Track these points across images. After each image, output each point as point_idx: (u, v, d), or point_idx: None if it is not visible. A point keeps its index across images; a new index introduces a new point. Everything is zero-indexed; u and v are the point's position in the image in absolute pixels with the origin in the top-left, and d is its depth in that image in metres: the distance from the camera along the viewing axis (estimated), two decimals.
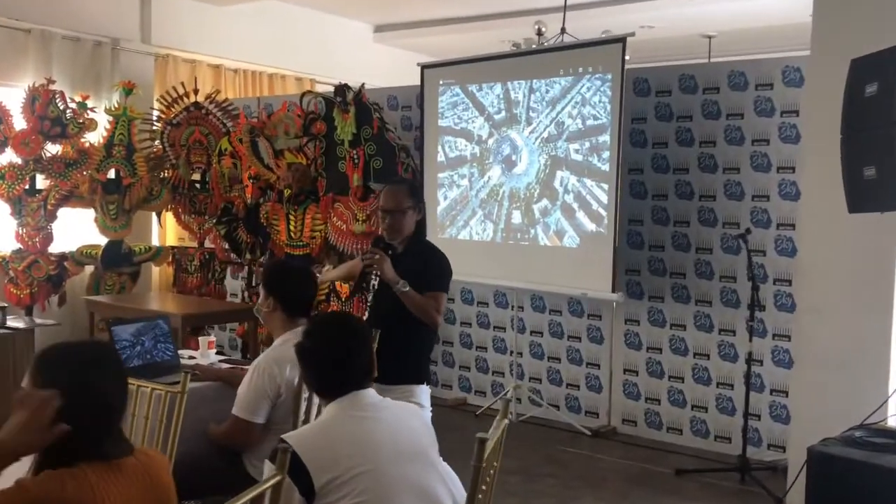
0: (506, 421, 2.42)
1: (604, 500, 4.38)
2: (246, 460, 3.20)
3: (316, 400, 3.21)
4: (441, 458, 2.29)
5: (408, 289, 3.34)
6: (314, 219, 6.21)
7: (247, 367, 3.85)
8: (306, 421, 3.18)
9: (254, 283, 6.84)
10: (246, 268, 6.89)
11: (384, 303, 3.50)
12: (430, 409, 3.51)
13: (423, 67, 6.13)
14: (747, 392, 4.74)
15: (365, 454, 2.12)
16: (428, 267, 3.45)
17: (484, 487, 2.13)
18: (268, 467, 2.13)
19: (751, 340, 4.72)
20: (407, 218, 3.46)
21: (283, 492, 1.89)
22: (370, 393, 2.28)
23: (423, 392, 3.48)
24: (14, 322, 4.13)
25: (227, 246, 6.85)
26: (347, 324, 2.45)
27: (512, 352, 6.00)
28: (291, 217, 6.30)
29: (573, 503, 4.31)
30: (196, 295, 6.94)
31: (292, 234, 6.32)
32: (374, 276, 3.53)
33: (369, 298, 3.58)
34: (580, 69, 5.28)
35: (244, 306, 6.63)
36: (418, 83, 6.15)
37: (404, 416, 2.31)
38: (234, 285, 7.38)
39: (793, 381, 4.78)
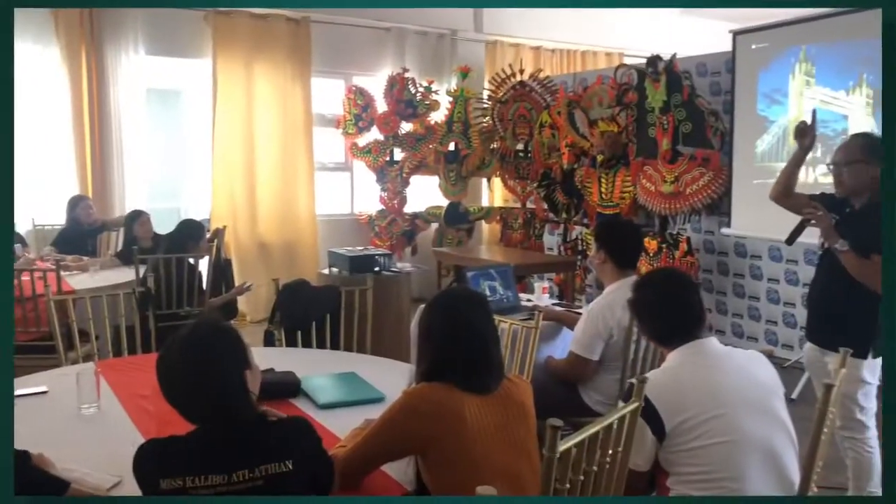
0: (843, 370, 2.27)
1: None
2: (583, 392, 3.28)
3: (644, 343, 3.23)
4: (784, 405, 2.15)
5: (846, 248, 2.86)
6: (624, 181, 6.14)
7: (577, 310, 3.98)
8: (634, 360, 3.22)
9: (568, 239, 6.98)
10: (562, 225, 7.02)
11: (826, 263, 3.07)
12: (875, 383, 2.98)
13: (735, 34, 5.75)
14: None
15: (715, 402, 2.04)
16: (879, 227, 2.88)
17: (826, 430, 2.03)
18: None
19: None
20: (857, 173, 2.94)
21: (636, 430, 1.89)
22: (713, 342, 2.19)
23: (863, 366, 2.92)
24: (397, 266, 4.59)
25: (546, 206, 7.02)
26: (673, 275, 2.40)
27: None
28: (603, 180, 6.28)
29: None
30: (519, 248, 7.22)
31: (603, 196, 6.31)
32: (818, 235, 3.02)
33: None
34: None
35: (560, 259, 6.78)
36: (726, 49, 5.81)
37: (750, 365, 2.17)
38: (550, 240, 7.54)
39: None
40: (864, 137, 3.07)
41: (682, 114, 5.65)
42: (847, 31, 4.98)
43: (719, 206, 5.69)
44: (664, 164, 5.76)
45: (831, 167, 3.03)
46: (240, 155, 6.99)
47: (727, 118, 5.77)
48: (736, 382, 2.10)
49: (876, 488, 3.06)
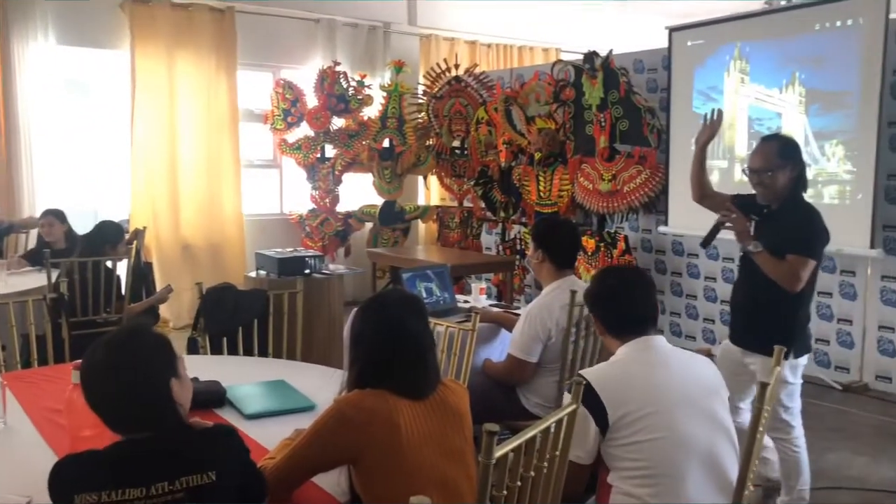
0: (778, 369, 2.34)
1: (861, 454, 4.08)
2: (520, 394, 3.31)
3: (583, 344, 3.28)
4: (726, 404, 2.21)
5: (759, 250, 2.93)
6: (562, 179, 6.23)
7: (515, 311, 4.01)
8: (573, 361, 3.26)
9: (506, 239, 7.04)
10: (500, 224, 7.08)
11: (748, 265, 3.09)
12: (797, 383, 3.08)
13: (671, 30, 5.90)
14: None
15: (658, 397, 2.09)
16: (793, 228, 2.93)
17: (761, 429, 2.09)
18: (566, 399, 2.20)
19: None
20: (777, 177, 2.96)
21: (578, 421, 1.92)
22: (661, 340, 2.25)
23: (785, 366, 2.94)
24: (329, 268, 4.56)
25: (483, 205, 7.07)
26: (627, 271, 2.46)
27: None
28: (541, 178, 6.36)
29: (828, 454, 4.06)
30: (457, 248, 7.25)
31: (542, 194, 6.39)
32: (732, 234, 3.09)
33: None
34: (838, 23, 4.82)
35: (499, 259, 6.82)
36: (662, 46, 5.95)
37: (694, 366, 2.24)
38: (488, 240, 7.61)
39: None
40: (777, 140, 3.12)
41: (619, 111, 5.76)
42: (780, 30, 5.17)
43: (656, 205, 5.83)
44: (602, 161, 5.86)
45: (747, 172, 3.08)
46: (161, 152, 6.81)
47: (664, 115, 5.91)
48: (680, 380, 2.16)
49: (805, 486, 3.17)
